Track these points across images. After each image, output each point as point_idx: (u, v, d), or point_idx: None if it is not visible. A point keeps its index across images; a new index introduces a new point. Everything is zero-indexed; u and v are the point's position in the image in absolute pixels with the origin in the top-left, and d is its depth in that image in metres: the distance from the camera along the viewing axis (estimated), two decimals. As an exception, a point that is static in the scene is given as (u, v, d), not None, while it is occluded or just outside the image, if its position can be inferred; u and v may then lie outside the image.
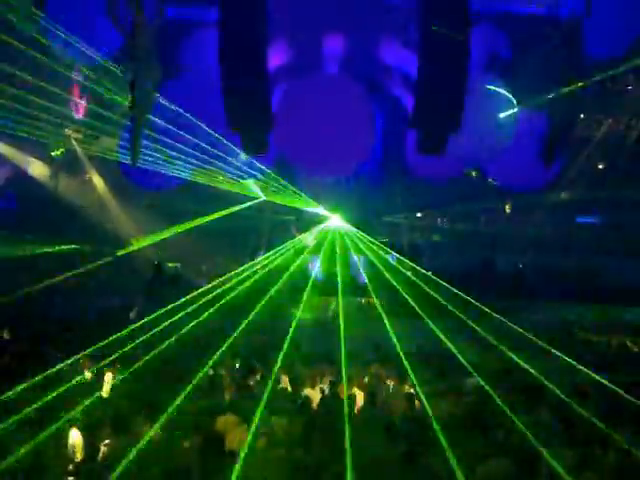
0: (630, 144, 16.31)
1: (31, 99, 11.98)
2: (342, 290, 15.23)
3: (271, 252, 16.35)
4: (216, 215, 15.80)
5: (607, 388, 7.71)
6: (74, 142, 15.62)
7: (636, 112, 15.17)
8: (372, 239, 16.22)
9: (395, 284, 13.52)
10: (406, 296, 12.40)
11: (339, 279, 15.01)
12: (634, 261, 17.03)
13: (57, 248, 16.01)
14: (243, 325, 10.22)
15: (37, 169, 16.64)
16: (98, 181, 17.19)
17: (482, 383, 7.55)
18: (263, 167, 14.98)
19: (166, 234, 15.88)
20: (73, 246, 16.36)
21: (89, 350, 8.38)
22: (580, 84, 12.70)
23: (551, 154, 13.57)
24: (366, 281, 14.86)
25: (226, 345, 9.16)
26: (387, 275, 14.23)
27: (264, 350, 9.65)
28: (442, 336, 9.64)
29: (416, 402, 7.09)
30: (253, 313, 11.06)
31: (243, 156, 14.54)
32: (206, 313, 10.83)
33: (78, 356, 8.21)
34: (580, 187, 16.38)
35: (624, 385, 7.27)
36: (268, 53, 12.51)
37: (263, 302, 11.96)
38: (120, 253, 15.65)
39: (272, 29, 12.65)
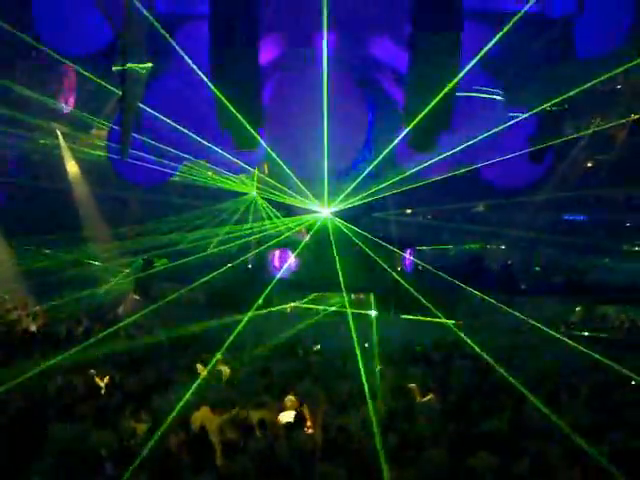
0: (618, 143, 16.46)
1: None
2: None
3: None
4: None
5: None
6: (59, 134, 15.51)
7: (624, 112, 15.28)
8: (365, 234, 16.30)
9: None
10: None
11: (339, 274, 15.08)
12: (621, 259, 17.24)
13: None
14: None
15: None
16: (72, 167, 16.71)
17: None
18: (253, 162, 14.97)
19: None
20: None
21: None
22: (570, 83, 12.75)
23: (540, 153, 13.64)
24: None
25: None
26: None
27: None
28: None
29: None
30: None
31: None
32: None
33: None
34: (568, 186, 16.51)
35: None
36: (259, 47, 12.45)
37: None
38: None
39: (263, 23, 12.57)
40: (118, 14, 10.70)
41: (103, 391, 7.64)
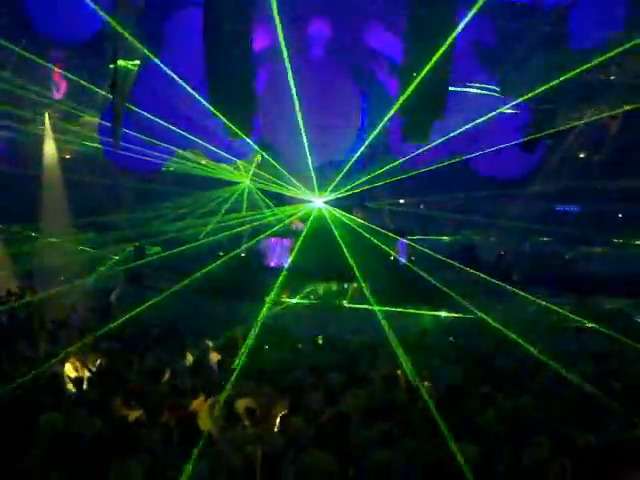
0: (611, 134, 16.51)
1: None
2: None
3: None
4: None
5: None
6: (47, 120, 15.32)
7: (618, 102, 15.29)
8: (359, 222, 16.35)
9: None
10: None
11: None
12: (613, 251, 17.35)
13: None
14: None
15: None
16: (49, 151, 16.18)
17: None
18: (246, 151, 14.91)
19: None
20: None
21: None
22: (564, 73, 12.74)
23: (532, 143, 13.67)
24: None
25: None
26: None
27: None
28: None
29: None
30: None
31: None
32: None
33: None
34: (561, 176, 16.55)
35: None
36: (253, 34, 12.38)
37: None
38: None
39: (257, 10, 12.48)
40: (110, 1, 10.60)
41: (95, 378, 7.62)
